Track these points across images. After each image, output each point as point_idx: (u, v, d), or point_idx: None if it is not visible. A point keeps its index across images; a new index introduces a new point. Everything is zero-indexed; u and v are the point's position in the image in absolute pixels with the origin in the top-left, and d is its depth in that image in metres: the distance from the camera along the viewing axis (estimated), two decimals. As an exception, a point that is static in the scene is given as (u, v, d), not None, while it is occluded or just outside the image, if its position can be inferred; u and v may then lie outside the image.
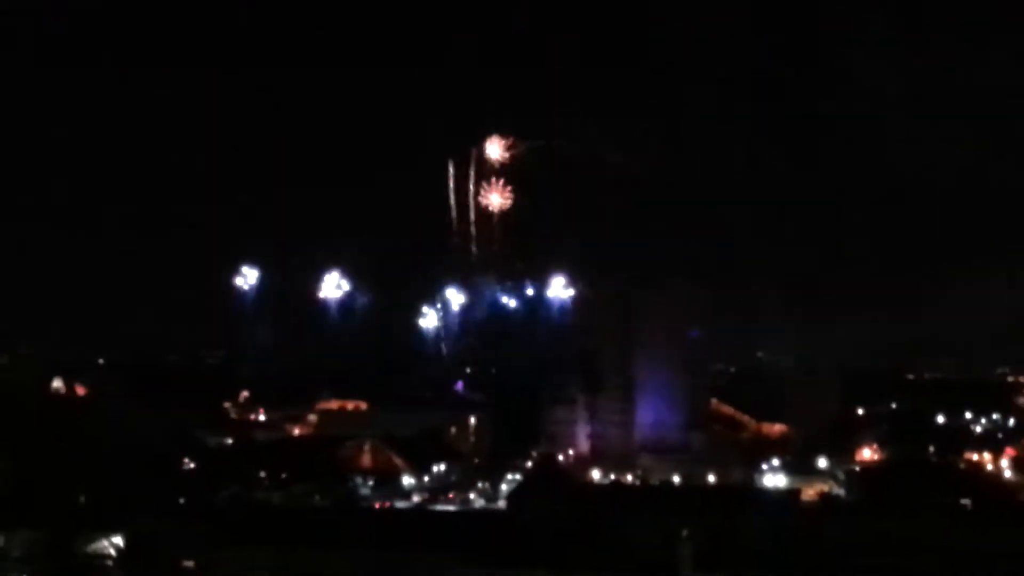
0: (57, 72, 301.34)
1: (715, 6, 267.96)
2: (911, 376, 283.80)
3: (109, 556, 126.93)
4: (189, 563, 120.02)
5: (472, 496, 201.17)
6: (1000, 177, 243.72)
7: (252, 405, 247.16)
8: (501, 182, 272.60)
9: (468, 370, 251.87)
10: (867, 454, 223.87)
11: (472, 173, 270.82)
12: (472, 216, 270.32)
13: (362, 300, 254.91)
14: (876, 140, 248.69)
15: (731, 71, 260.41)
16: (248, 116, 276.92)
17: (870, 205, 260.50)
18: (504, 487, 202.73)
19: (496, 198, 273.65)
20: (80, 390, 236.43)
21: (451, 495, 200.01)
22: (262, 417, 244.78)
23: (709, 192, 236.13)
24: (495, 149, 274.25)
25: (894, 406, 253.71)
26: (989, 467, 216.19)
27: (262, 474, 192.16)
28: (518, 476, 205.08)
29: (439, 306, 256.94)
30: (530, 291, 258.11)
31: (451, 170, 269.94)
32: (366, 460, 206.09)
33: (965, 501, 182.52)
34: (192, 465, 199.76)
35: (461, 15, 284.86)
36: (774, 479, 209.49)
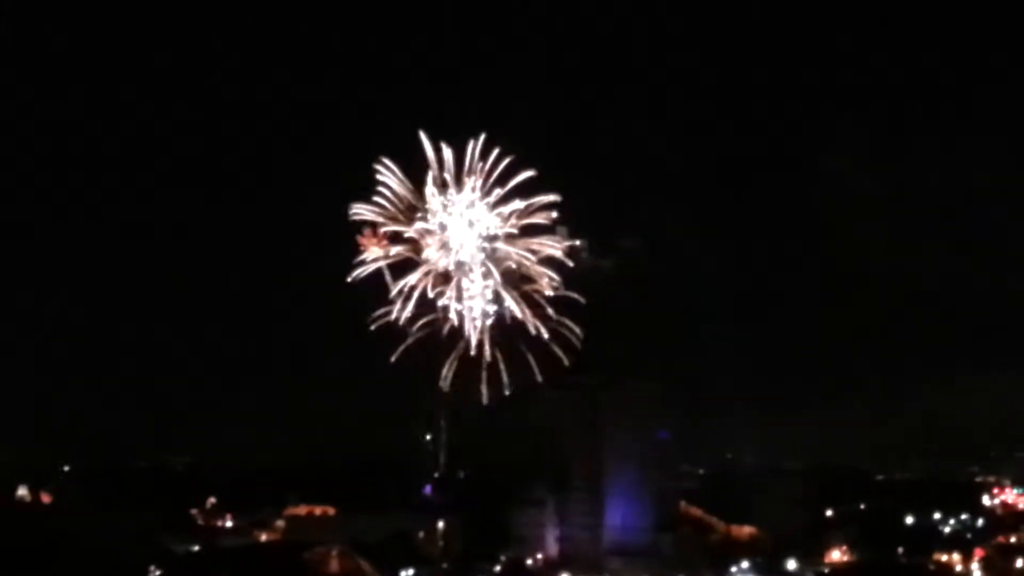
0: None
1: (684, 107, 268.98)
2: (880, 476, 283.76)
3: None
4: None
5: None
6: (974, 281, 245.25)
7: (219, 511, 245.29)
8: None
9: (436, 474, 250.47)
10: (837, 556, 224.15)
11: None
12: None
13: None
14: (848, 239, 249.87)
15: (700, 166, 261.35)
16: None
17: (840, 306, 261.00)
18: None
19: None
20: (46, 498, 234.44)
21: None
22: (229, 523, 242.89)
23: (677, 291, 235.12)
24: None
25: (863, 507, 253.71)
26: (959, 568, 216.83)
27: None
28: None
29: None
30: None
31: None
32: (334, 566, 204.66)
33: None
34: (158, 572, 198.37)
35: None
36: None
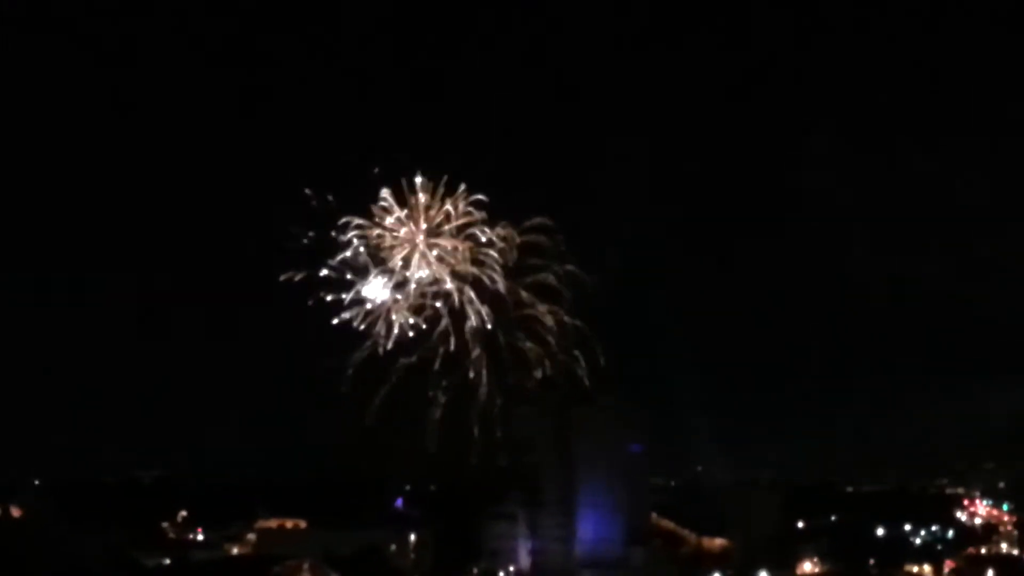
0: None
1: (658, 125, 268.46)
2: (850, 488, 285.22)
3: None
4: None
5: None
6: (944, 292, 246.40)
7: (190, 524, 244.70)
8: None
9: (407, 487, 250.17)
10: (808, 568, 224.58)
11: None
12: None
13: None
14: (821, 254, 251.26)
15: (671, 177, 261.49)
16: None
17: (809, 320, 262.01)
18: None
19: None
20: (16, 512, 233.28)
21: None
22: (200, 536, 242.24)
23: (646, 305, 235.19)
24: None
25: (834, 519, 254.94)
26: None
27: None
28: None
29: None
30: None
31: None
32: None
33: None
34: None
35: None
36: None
